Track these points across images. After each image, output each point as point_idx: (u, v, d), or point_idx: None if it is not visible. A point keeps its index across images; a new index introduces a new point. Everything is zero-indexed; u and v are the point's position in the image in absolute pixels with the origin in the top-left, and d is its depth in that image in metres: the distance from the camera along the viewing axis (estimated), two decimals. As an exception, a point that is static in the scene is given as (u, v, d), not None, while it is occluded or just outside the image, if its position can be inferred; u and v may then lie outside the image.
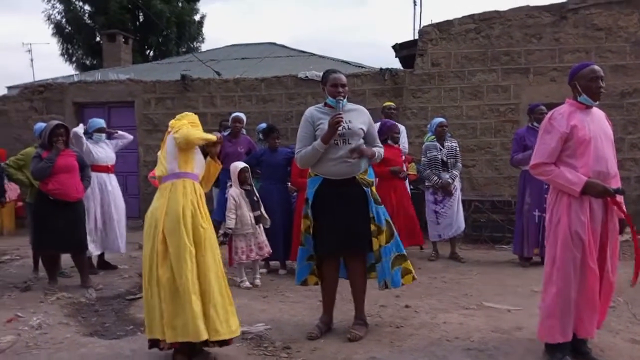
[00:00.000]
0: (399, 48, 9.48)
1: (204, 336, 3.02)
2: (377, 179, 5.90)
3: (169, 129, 3.36)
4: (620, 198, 3.11)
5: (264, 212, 5.29)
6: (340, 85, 3.59)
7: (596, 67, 3.14)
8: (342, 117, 3.45)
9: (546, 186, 3.35)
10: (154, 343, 3.17)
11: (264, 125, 6.71)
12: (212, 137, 3.31)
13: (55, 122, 5.11)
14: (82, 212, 5.20)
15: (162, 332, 3.05)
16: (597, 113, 3.21)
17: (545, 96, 7.65)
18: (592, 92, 3.12)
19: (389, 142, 5.95)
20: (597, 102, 3.17)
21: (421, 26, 8.76)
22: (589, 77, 3.12)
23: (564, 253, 3.04)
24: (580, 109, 3.14)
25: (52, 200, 4.91)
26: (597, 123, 3.13)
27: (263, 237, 5.25)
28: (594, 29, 7.94)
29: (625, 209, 3.13)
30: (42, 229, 4.98)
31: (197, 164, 3.34)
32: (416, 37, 8.77)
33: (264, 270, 5.67)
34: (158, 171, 3.33)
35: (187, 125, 3.30)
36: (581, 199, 3.04)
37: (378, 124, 6.70)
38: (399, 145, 6.29)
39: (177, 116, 3.45)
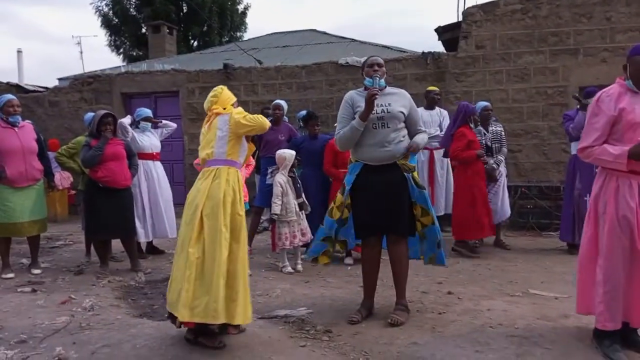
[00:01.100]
0: (441, 31, 9.28)
1: (222, 319, 3.04)
2: (456, 163, 5.87)
3: (215, 110, 3.37)
4: None
5: (304, 198, 5.34)
6: (376, 64, 3.61)
7: None
8: (377, 91, 3.44)
9: (597, 170, 3.22)
10: (172, 317, 3.22)
11: (304, 112, 6.73)
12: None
13: (104, 111, 5.27)
14: (131, 199, 5.37)
15: (182, 309, 3.07)
16: None
17: (596, 78, 7.36)
18: (638, 82, 2.96)
19: (471, 125, 5.87)
20: None
21: (465, 8, 8.55)
22: (639, 67, 2.94)
23: (610, 238, 2.93)
24: (631, 91, 3.00)
25: (101, 188, 5.08)
26: None
27: (305, 224, 5.30)
28: (648, 7, 7.55)
29: None
30: (93, 216, 5.17)
31: (243, 152, 3.41)
32: (460, 19, 8.56)
33: (305, 256, 5.71)
34: (203, 153, 3.35)
35: (243, 111, 3.36)
36: (630, 183, 2.92)
37: (430, 108, 6.62)
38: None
39: (214, 92, 3.44)
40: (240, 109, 3.40)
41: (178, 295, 3.10)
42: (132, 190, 5.43)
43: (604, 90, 3.09)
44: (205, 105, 3.46)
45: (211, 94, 3.45)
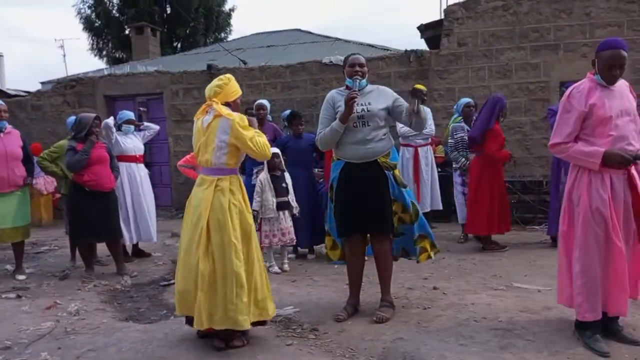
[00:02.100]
0: (424, 29, 9.34)
1: (246, 326, 3.09)
2: (480, 160, 5.71)
3: (217, 106, 3.12)
4: None
5: (292, 199, 5.32)
6: (357, 65, 3.59)
7: (619, 54, 2.95)
8: (357, 94, 3.45)
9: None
10: (189, 320, 3.28)
11: (287, 112, 6.74)
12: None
13: (93, 114, 5.22)
14: (116, 201, 5.34)
15: (198, 317, 3.09)
16: (619, 86, 3.08)
17: (577, 73, 7.41)
18: (606, 77, 3.02)
19: (500, 119, 5.77)
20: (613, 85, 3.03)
21: (447, 5, 8.61)
22: (606, 62, 2.98)
23: (585, 231, 2.99)
24: (600, 86, 3.04)
25: (87, 192, 5.03)
26: (618, 99, 3.02)
27: (287, 224, 5.27)
28: (627, 2, 7.66)
29: None
30: (79, 220, 5.11)
31: (241, 158, 3.33)
32: (442, 16, 8.63)
33: (292, 256, 5.73)
34: (202, 158, 3.19)
35: (251, 130, 3.16)
36: (602, 176, 2.98)
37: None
38: None
39: (219, 81, 3.20)
40: (245, 120, 3.16)
41: (184, 300, 3.15)
42: (116, 193, 5.40)
43: (574, 85, 3.13)
44: (207, 92, 3.22)
45: (216, 82, 3.23)
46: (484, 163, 5.66)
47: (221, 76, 3.27)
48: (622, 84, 3.11)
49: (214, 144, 3.13)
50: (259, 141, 3.16)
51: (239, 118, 3.13)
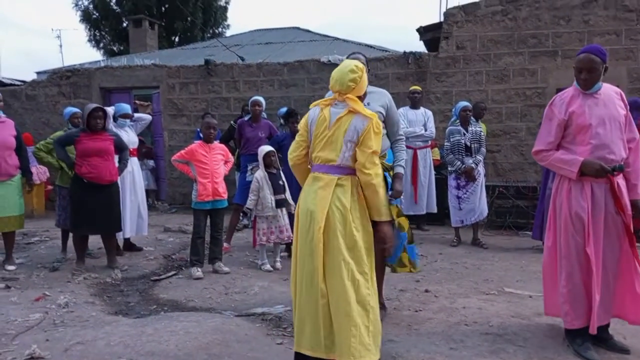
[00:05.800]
0: (423, 31, 9.34)
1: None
2: None
3: (352, 103, 2.63)
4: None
5: (289, 196, 5.31)
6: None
7: (586, 57, 2.95)
8: None
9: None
10: (299, 357, 2.72)
11: (284, 109, 6.72)
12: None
13: (93, 105, 5.15)
14: (117, 194, 5.27)
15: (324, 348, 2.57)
16: (606, 94, 3.04)
17: (573, 80, 7.47)
18: (577, 81, 3.03)
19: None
20: (591, 90, 2.99)
21: (447, 8, 8.61)
22: (576, 65, 3.02)
23: (566, 238, 3.01)
24: (583, 93, 3.03)
25: (86, 184, 4.97)
26: (603, 107, 2.99)
27: (285, 222, 5.27)
28: (625, 11, 7.69)
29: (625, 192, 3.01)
30: (77, 211, 5.03)
31: None
32: (441, 19, 8.63)
33: (285, 254, 5.71)
34: (322, 154, 2.66)
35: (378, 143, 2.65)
36: (581, 185, 2.98)
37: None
38: None
39: (354, 73, 2.63)
40: (380, 127, 2.70)
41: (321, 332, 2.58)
42: (119, 186, 5.33)
43: (559, 93, 3.15)
44: (338, 85, 2.66)
45: (350, 74, 2.63)
46: None
47: (352, 65, 2.67)
48: (610, 92, 3.08)
49: (343, 142, 2.62)
50: (375, 160, 2.63)
51: (377, 122, 2.63)
